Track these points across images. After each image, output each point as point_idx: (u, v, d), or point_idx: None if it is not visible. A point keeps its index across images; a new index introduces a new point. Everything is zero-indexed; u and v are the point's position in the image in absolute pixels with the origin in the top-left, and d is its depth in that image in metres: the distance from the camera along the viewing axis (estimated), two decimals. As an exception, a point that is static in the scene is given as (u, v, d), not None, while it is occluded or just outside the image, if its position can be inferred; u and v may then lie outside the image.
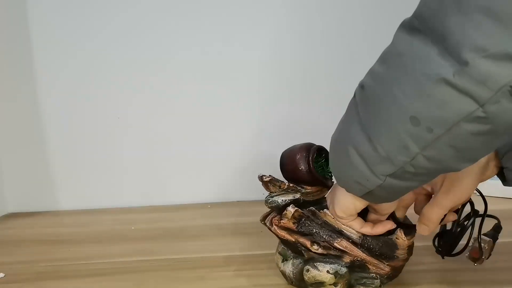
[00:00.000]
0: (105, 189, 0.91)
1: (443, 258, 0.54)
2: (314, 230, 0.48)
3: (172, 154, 0.90)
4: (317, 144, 0.53)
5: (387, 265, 0.48)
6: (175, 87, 0.88)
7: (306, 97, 0.89)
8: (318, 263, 0.47)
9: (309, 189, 0.52)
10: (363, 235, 0.47)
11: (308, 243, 0.48)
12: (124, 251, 0.65)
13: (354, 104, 0.40)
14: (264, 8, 0.86)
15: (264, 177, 0.52)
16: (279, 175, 0.53)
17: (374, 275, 0.48)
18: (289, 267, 0.50)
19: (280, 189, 0.51)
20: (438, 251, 0.55)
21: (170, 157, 0.90)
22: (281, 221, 0.49)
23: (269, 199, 0.51)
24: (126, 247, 0.67)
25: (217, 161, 0.90)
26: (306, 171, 0.50)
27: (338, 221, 0.47)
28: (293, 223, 0.48)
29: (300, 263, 0.49)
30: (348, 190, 0.43)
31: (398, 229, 0.49)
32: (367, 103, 0.38)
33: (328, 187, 0.53)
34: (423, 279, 0.51)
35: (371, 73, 0.38)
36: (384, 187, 0.39)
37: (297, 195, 0.51)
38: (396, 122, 0.35)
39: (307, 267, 0.48)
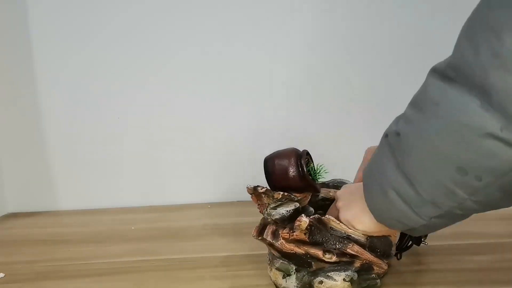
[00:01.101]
0: (105, 189, 0.91)
1: (399, 258, 0.54)
2: (324, 238, 0.46)
3: (172, 154, 0.90)
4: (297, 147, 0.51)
5: (386, 263, 0.47)
6: (175, 87, 0.88)
7: (306, 101, 0.89)
8: (332, 273, 0.46)
9: (298, 196, 0.49)
10: (369, 236, 0.46)
11: (320, 253, 0.45)
12: (124, 251, 0.65)
13: (389, 147, 0.40)
14: (262, 9, 0.86)
15: (258, 188, 0.49)
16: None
17: (375, 275, 0.47)
18: (293, 282, 0.47)
19: (275, 199, 0.48)
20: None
21: (170, 157, 0.90)
22: (294, 233, 0.46)
23: (271, 212, 0.48)
24: (126, 247, 0.67)
25: (217, 161, 0.90)
26: (299, 177, 0.48)
27: (345, 226, 0.46)
28: (305, 234, 0.45)
29: (304, 276, 0.47)
30: (388, 227, 0.44)
31: None
32: (405, 150, 0.38)
33: (318, 192, 0.52)
34: (423, 279, 0.51)
35: (405, 119, 0.38)
36: (427, 226, 0.40)
37: (297, 204, 0.49)
38: (441, 171, 0.35)
39: (320, 278, 0.46)
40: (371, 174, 0.43)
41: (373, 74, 0.88)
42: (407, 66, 0.87)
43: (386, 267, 0.47)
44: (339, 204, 0.48)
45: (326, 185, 0.57)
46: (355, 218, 0.46)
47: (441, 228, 0.42)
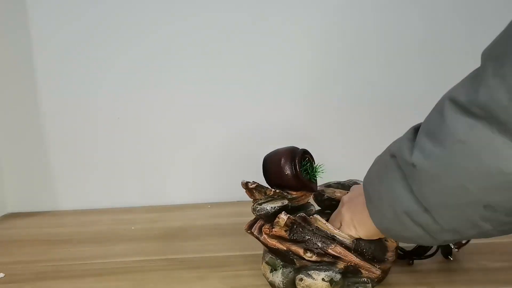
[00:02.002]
0: (105, 189, 0.91)
1: (411, 263, 0.54)
2: (307, 237, 0.46)
3: (172, 154, 0.90)
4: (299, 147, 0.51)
5: (378, 268, 0.47)
6: (175, 87, 0.88)
7: (308, 100, 0.89)
8: (312, 271, 0.46)
9: (294, 194, 0.49)
10: (356, 239, 0.46)
11: (301, 251, 0.46)
12: (124, 251, 0.65)
13: (399, 172, 0.39)
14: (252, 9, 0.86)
15: (249, 183, 0.49)
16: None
17: (366, 279, 0.47)
18: (278, 277, 0.48)
19: (266, 196, 0.49)
20: (404, 257, 0.55)
21: (170, 157, 0.90)
22: (273, 229, 0.47)
23: (257, 207, 0.48)
24: (126, 247, 0.67)
25: (217, 161, 0.90)
26: (292, 176, 0.48)
27: (330, 226, 0.46)
28: (285, 230, 0.46)
29: (290, 272, 0.47)
30: (400, 241, 0.44)
31: None
32: (422, 182, 0.37)
33: (313, 191, 0.52)
34: (423, 279, 0.51)
35: (421, 151, 0.36)
36: (440, 244, 0.42)
37: (285, 202, 0.49)
38: (466, 208, 0.35)
39: (300, 276, 0.46)
40: (377, 192, 0.42)
41: (378, 74, 0.88)
42: (412, 67, 0.87)
43: (378, 272, 0.47)
44: (343, 209, 0.48)
45: (342, 185, 0.56)
46: (360, 225, 0.46)
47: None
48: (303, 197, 0.51)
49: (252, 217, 0.52)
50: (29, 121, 0.88)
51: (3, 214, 0.89)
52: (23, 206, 0.90)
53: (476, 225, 0.35)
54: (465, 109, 0.33)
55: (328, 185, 0.56)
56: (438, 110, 0.36)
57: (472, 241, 0.61)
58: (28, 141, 0.89)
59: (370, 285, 0.47)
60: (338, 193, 0.54)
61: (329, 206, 0.54)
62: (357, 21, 0.87)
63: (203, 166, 0.91)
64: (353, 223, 0.46)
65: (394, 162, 0.40)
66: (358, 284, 0.47)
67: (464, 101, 0.34)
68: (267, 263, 0.49)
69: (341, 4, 0.86)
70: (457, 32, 0.86)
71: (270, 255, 0.49)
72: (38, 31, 0.85)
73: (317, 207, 0.55)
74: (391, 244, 0.48)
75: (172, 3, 0.85)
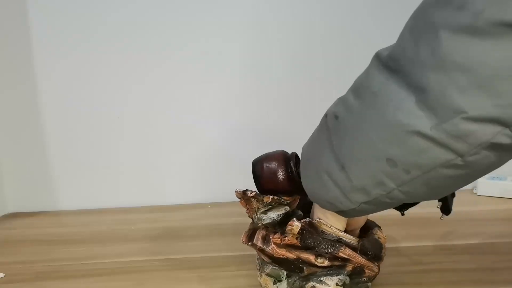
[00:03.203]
0: (105, 189, 0.91)
1: (403, 214, 0.51)
2: (315, 242, 0.45)
3: (172, 154, 0.90)
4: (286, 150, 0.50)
5: (377, 266, 0.47)
6: (175, 87, 0.88)
7: (307, 101, 0.89)
8: (324, 277, 0.45)
9: (288, 199, 0.48)
10: (360, 239, 0.46)
11: (312, 258, 0.44)
12: (124, 251, 0.65)
13: (327, 129, 0.40)
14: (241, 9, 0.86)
15: (248, 192, 0.47)
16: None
17: (365, 278, 0.46)
18: None
19: (264, 204, 0.47)
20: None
21: (170, 157, 0.90)
22: (285, 238, 0.44)
23: (262, 217, 0.46)
24: (126, 247, 0.67)
25: (217, 161, 0.91)
26: (288, 180, 0.47)
27: (335, 229, 0.46)
28: (296, 238, 0.44)
29: (295, 281, 0.46)
30: (321, 206, 0.44)
31: (376, 227, 0.49)
32: (341, 135, 0.38)
33: (307, 195, 0.51)
34: (423, 279, 0.51)
35: (344, 103, 0.39)
36: (357, 211, 0.40)
37: (287, 208, 0.47)
38: (371, 161, 0.36)
39: (312, 283, 0.45)
40: (308, 154, 0.44)
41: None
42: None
43: (377, 270, 0.47)
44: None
45: None
46: (324, 214, 0.46)
47: (370, 213, 0.42)
48: (294, 202, 0.50)
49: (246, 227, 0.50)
50: (29, 121, 0.88)
51: (3, 214, 0.89)
52: (23, 206, 0.90)
53: (381, 182, 0.36)
54: (383, 63, 0.35)
55: None
56: (366, 68, 0.38)
57: (473, 241, 0.61)
58: (28, 141, 0.89)
59: (369, 283, 0.47)
60: None
61: (309, 211, 0.54)
62: (355, 21, 0.87)
63: (203, 166, 0.91)
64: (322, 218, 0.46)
65: (324, 122, 0.41)
66: (360, 284, 0.47)
67: (384, 55, 0.35)
68: (268, 275, 0.47)
69: (340, 4, 0.86)
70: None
71: (272, 266, 0.47)
72: (38, 31, 0.85)
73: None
74: (383, 240, 0.48)
75: (172, 3, 0.85)
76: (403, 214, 0.51)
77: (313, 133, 0.45)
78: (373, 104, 0.35)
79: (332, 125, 0.39)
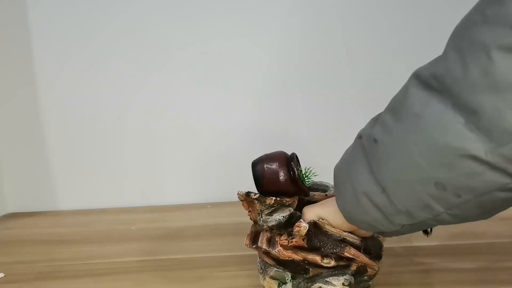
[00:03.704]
0: (105, 189, 0.91)
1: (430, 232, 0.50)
2: (321, 243, 0.45)
3: (172, 154, 0.90)
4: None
5: (377, 265, 0.47)
6: (175, 87, 0.88)
7: (307, 101, 0.89)
8: (330, 278, 0.45)
9: (288, 200, 0.47)
10: (364, 239, 0.46)
11: (318, 259, 0.44)
12: (124, 251, 0.65)
13: (363, 151, 0.39)
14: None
15: (251, 194, 0.46)
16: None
17: (367, 277, 0.47)
18: None
19: (267, 205, 0.46)
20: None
21: (170, 157, 0.90)
22: (293, 240, 0.44)
23: (268, 219, 0.46)
24: (126, 247, 0.66)
25: (217, 161, 0.90)
26: (290, 181, 0.46)
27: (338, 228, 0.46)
28: (303, 239, 0.44)
29: (300, 282, 0.46)
30: (358, 227, 0.43)
31: None
32: (381, 159, 0.37)
33: (308, 196, 0.50)
34: (423, 279, 0.51)
35: (382, 125, 0.37)
36: (400, 232, 0.39)
37: (291, 209, 0.47)
38: (417, 185, 0.34)
39: (318, 285, 0.45)
40: (342, 175, 0.42)
41: (368, 74, 0.88)
42: (407, 62, 0.87)
43: (377, 269, 0.47)
44: (316, 207, 0.48)
45: (326, 187, 0.55)
46: (328, 216, 0.45)
47: (411, 232, 0.41)
48: (294, 203, 0.49)
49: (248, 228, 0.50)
50: (29, 121, 0.88)
51: (3, 214, 0.89)
52: (23, 206, 0.90)
53: (428, 206, 0.35)
54: (425, 83, 0.34)
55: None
56: (403, 87, 0.37)
57: (473, 240, 0.61)
58: (28, 141, 0.89)
59: (370, 282, 0.47)
60: (316, 196, 0.52)
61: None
62: (353, 21, 0.87)
63: (203, 166, 0.91)
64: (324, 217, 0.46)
65: (359, 143, 0.40)
66: (362, 283, 0.47)
67: (425, 75, 0.34)
68: (272, 277, 0.47)
69: (339, 3, 0.86)
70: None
71: (276, 269, 0.47)
72: (38, 31, 0.85)
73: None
74: (382, 239, 0.48)
75: (172, 4, 0.85)
76: (428, 234, 0.48)
77: (345, 154, 0.44)
78: (416, 126, 0.33)
79: (370, 147, 0.38)
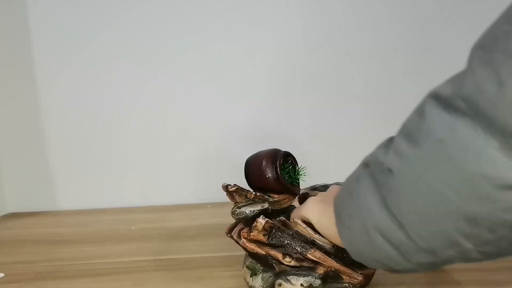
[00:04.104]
0: (105, 189, 0.91)
1: None
2: (286, 241, 0.46)
3: (172, 154, 0.90)
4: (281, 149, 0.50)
5: (360, 273, 0.46)
6: (175, 87, 0.88)
7: (307, 101, 0.89)
8: (291, 276, 0.45)
9: (276, 197, 0.49)
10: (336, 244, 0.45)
11: (280, 256, 0.45)
12: (124, 251, 0.65)
13: (373, 181, 0.35)
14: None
15: (229, 186, 0.48)
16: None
17: (347, 285, 0.46)
18: (258, 282, 0.47)
19: (247, 199, 0.48)
20: None
21: (170, 157, 0.90)
22: (251, 233, 0.46)
23: (236, 210, 0.48)
24: (126, 247, 0.67)
25: (217, 161, 0.91)
26: (274, 179, 0.48)
27: (310, 230, 0.45)
28: (264, 235, 0.45)
29: (270, 276, 0.47)
30: (366, 265, 0.39)
31: None
32: (397, 190, 0.32)
33: (296, 195, 0.51)
34: (423, 279, 0.51)
35: (397, 153, 0.33)
36: (414, 270, 0.36)
37: (266, 205, 0.48)
38: (443, 219, 0.30)
39: (279, 281, 0.46)
40: (347, 208, 0.38)
41: (366, 74, 0.88)
42: (407, 62, 0.87)
43: (360, 278, 0.46)
44: (307, 207, 0.46)
45: (327, 187, 0.56)
46: (313, 219, 0.44)
47: (428, 270, 0.38)
48: (286, 200, 0.50)
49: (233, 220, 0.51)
50: (29, 121, 0.88)
51: (3, 214, 0.89)
52: (23, 206, 0.90)
53: (456, 243, 0.31)
54: (448, 104, 0.29)
55: (314, 188, 0.55)
56: (418, 109, 0.32)
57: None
58: (28, 141, 0.89)
59: None
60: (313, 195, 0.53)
61: None
62: (353, 21, 0.87)
63: (202, 166, 0.91)
64: (312, 208, 0.45)
65: (367, 172, 0.36)
66: None
67: (448, 95, 0.30)
68: (247, 267, 0.49)
69: (338, 3, 0.86)
70: (461, 31, 0.86)
71: (251, 259, 0.49)
72: (38, 31, 0.85)
73: None
74: None
75: (172, 4, 0.85)
76: None
77: (348, 184, 0.39)
78: (441, 153, 0.29)
79: (383, 178, 0.34)
